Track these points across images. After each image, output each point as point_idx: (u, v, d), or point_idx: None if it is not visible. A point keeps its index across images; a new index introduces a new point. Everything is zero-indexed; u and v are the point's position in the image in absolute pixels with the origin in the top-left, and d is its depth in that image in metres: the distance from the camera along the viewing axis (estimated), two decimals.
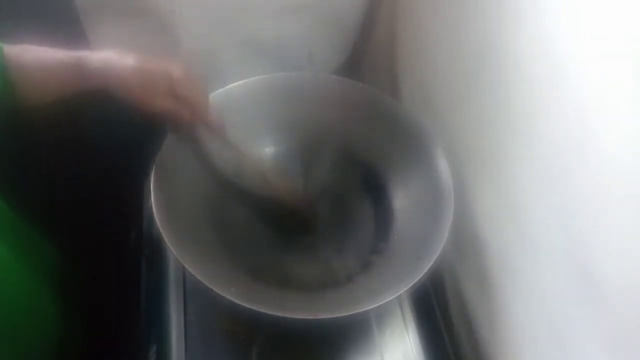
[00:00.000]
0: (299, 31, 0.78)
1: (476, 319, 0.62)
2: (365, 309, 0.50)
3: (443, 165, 0.60)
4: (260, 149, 0.68)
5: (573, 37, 0.42)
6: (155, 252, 0.68)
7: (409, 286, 0.52)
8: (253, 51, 0.78)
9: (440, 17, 0.65)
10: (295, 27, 0.77)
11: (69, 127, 0.77)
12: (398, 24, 0.78)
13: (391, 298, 0.51)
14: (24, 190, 0.60)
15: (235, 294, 0.49)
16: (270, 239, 0.66)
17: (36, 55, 0.54)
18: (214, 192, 0.64)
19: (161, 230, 0.52)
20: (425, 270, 0.52)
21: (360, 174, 0.69)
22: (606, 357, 0.41)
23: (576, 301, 0.44)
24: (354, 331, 0.63)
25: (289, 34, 0.78)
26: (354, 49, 0.87)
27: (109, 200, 0.82)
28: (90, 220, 0.82)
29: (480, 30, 0.56)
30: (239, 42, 0.76)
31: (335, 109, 0.68)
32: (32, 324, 0.59)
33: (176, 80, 0.54)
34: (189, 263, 0.51)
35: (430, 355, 0.62)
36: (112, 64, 0.53)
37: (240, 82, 0.66)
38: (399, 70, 0.79)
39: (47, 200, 0.70)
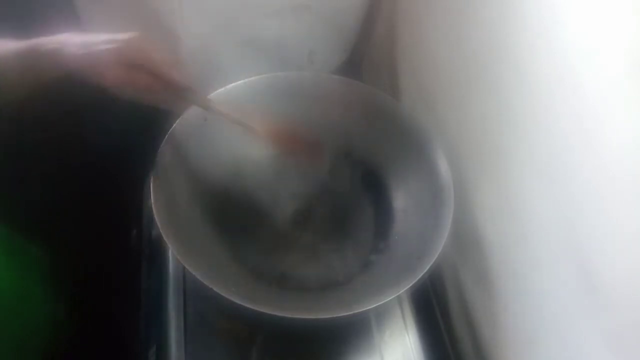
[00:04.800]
0: (299, 31, 0.78)
1: (476, 318, 0.62)
2: (365, 309, 0.50)
3: (443, 165, 0.60)
4: (259, 148, 0.68)
5: (575, 36, 0.42)
6: (155, 252, 0.68)
7: (409, 286, 0.52)
8: (253, 51, 0.78)
9: (440, 17, 0.65)
10: (295, 27, 0.77)
11: (69, 127, 0.77)
12: (398, 24, 0.78)
13: (391, 298, 0.51)
14: (23, 189, 0.60)
15: (235, 294, 0.49)
16: (270, 239, 0.66)
17: None
18: (214, 192, 0.64)
19: (161, 230, 0.52)
20: (425, 270, 0.52)
21: (360, 174, 0.69)
22: (608, 357, 0.41)
23: (577, 301, 0.44)
24: (354, 331, 0.63)
25: (289, 34, 0.78)
26: (354, 49, 0.87)
27: (109, 200, 0.82)
28: (90, 220, 0.82)
29: (480, 30, 0.56)
30: (239, 41, 0.76)
31: (335, 109, 0.68)
32: (19, 315, 0.60)
33: (125, 46, 0.51)
34: (189, 263, 0.51)
35: (430, 355, 0.61)
36: (63, 44, 0.51)
37: (240, 81, 0.66)
38: (399, 70, 0.79)
39: (47, 200, 0.70)
